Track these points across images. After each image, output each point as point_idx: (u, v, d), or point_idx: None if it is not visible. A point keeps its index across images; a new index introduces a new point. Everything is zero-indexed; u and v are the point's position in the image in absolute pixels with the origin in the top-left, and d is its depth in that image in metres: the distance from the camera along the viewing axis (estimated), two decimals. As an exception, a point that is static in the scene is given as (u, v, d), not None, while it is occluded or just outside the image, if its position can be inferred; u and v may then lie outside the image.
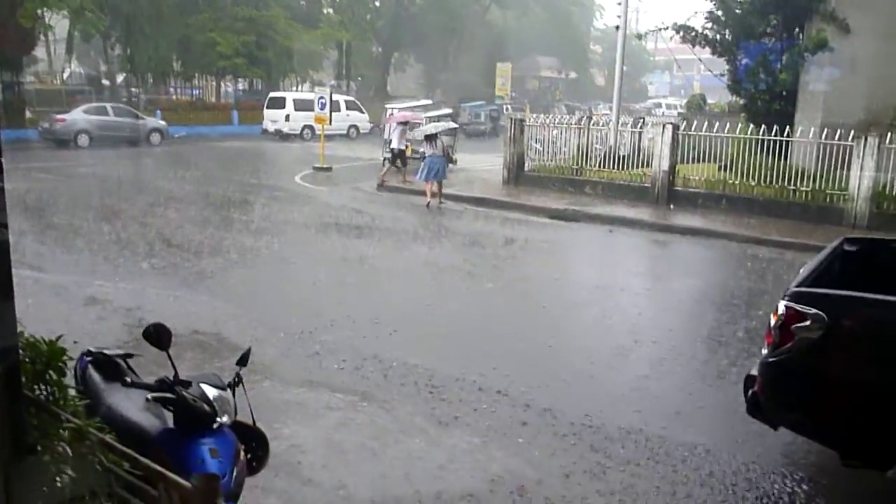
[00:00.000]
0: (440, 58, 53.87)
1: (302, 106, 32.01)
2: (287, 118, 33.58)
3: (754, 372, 5.02)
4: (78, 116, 27.87)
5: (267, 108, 34.43)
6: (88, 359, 3.96)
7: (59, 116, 27.66)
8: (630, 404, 6.29)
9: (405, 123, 20.58)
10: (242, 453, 3.47)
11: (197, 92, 43.69)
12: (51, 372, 2.90)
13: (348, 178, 21.26)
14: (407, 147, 21.59)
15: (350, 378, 6.64)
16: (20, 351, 2.82)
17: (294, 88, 44.84)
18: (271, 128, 33.92)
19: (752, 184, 15.93)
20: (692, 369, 7.27)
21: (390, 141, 21.84)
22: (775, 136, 15.50)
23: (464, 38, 51.64)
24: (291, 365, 6.92)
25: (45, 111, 29.26)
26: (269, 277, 10.22)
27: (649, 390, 6.62)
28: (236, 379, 3.60)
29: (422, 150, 21.48)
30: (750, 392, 4.97)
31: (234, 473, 3.30)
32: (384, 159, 22.26)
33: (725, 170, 16.73)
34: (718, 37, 19.49)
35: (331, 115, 23.52)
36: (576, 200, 16.88)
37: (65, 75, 40.38)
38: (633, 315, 8.91)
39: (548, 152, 19.62)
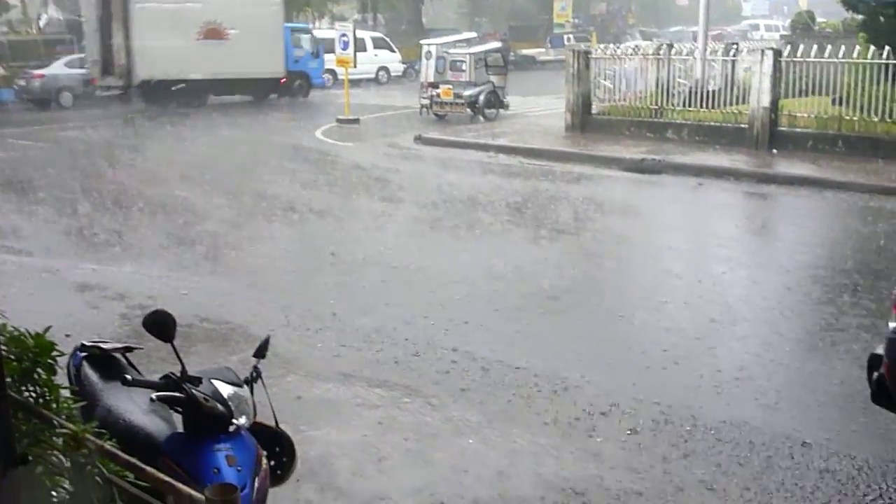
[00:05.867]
0: (485, -20, 53.26)
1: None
2: (303, 62, 33.64)
3: (880, 351, 4.94)
4: (59, 71, 28.33)
5: (279, 50, 34.51)
6: (83, 354, 4.06)
7: (37, 72, 28.15)
8: (723, 396, 6.24)
9: None
10: (264, 460, 3.54)
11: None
12: (39, 370, 2.97)
13: (380, 130, 21.30)
14: (447, 90, 21.56)
15: (391, 370, 6.72)
16: (3, 347, 2.91)
17: (311, 26, 44.83)
18: (285, 74, 34.01)
19: (875, 120, 15.52)
20: (802, 350, 7.18)
21: (429, 84, 21.86)
22: (903, 59, 15.06)
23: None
24: (320, 356, 7.02)
25: (20, 66, 29.72)
26: (289, 256, 10.33)
27: (748, 377, 6.55)
28: (254, 373, 3.65)
29: (467, 92, 21.46)
30: (875, 375, 4.90)
31: (256, 484, 3.37)
32: (422, 106, 22.27)
33: (841, 104, 16.30)
34: (829, -63, 18.92)
35: (355, 55, 23.47)
36: (656, 148, 16.65)
37: (42, 23, 40.89)
38: (729, 288, 8.82)
39: (620, 90, 19.34)
